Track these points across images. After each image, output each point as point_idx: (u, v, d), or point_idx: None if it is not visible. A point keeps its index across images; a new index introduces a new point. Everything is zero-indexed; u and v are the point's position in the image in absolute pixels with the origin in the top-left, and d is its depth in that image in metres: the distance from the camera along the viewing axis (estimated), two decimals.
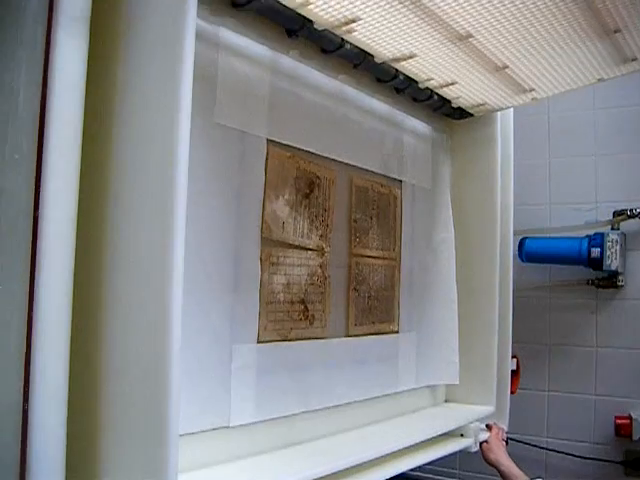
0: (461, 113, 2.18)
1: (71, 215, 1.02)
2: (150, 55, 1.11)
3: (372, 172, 1.91)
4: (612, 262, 2.57)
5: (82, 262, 1.06)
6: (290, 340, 1.59)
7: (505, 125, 2.31)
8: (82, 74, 1.04)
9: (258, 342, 1.50)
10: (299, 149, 1.63)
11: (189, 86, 1.05)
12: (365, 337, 1.87)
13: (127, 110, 1.12)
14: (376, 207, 1.93)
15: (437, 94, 2.00)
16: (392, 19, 1.49)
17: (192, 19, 1.06)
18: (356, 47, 1.64)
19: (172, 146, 1.04)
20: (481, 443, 2.06)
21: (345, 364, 1.78)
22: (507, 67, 1.78)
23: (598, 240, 2.60)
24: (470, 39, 1.60)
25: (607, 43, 1.67)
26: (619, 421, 2.58)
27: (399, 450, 1.70)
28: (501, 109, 2.16)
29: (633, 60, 1.78)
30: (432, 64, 1.75)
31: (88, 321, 1.11)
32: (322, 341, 1.70)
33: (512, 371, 2.35)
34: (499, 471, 1.97)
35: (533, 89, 1.96)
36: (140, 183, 1.10)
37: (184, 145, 1.04)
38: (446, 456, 1.94)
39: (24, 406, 0.96)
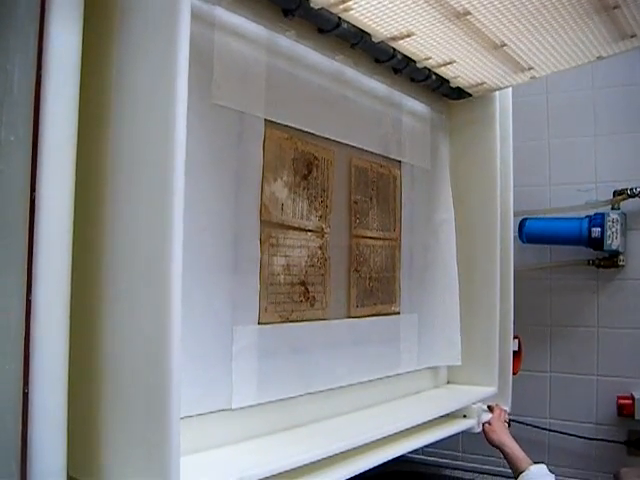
0: (460, 93, 2.17)
1: (68, 196, 1.02)
2: (146, 36, 1.10)
3: (371, 153, 1.90)
4: (613, 242, 2.56)
5: (80, 245, 1.05)
6: (291, 322, 1.59)
7: (504, 105, 2.30)
8: (77, 56, 1.04)
9: (259, 324, 1.50)
10: (297, 130, 1.62)
11: (185, 66, 1.04)
12: (366, 318, 1.87)
13: (123, 92, 1.12)
14: (376, 188, 1.92)
15: (435, 74, 1.99)
16: None
17: None
18: (353, 26, 1.62)
19: (169, 127, 1.03)
20: (484, 424, 2.06)
21: (347, 346, 1.78)
22: (505, 45, 1.77)
23: (598, 220, 2.60)
24: (468, 16, 1.59)
25: (606, 19, 1.65)
26: (621, 401, 2.58)
27: (402, 431, 1.70)
28: (500, 88, 2.15)
29: (632, 37, 1.76)
30: (430, 43, 1.73)
31: (88, 305, 1.10)
32: (323, 322, 1.69)
33: (514, 352, 2.35)
34: (503, 452, 1.97)
35: (532, 67, 1.95)
36: (138, 166, 1.09)
37: (181, 126, 1.03)
38: (449, 437, 1.94)
39: (24, 390, 0.96)
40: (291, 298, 1.59)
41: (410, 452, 1.76)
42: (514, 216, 2.36)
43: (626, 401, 2.56)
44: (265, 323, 1.51)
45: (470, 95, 2.19)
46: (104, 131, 1.12)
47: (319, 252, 1.68)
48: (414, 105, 2.11)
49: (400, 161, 2.04)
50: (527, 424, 2.71)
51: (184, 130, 1.03)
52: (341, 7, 1.52)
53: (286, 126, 1.59)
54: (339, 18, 1.58)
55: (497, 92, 2.22)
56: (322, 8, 1.52)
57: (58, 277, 1.00)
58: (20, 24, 1.04)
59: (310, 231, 1.65)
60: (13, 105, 1.03)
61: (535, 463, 1.88)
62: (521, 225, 2.72)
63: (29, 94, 1.00)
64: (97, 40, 1.12)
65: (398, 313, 2.02)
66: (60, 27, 1.01)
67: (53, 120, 1.00)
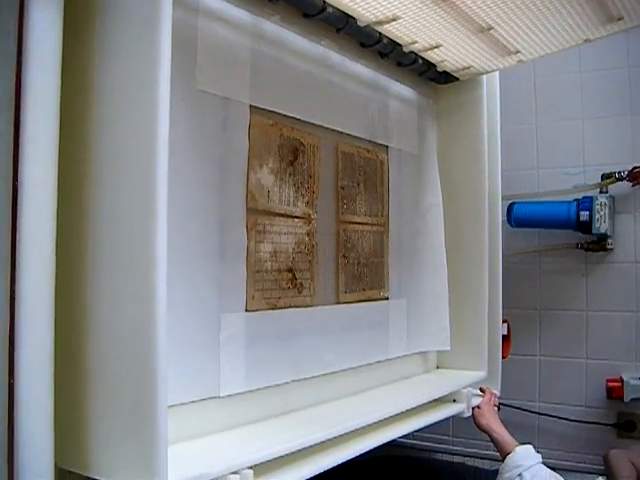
0: (446, 77, 2.16)
1: (51, 185, 1.01)
2: (127, 21, 1.09)
3: (358, 138, 1.90)
4: (601, 225, 2.56)
5: (63, 234, 1.05)
6: (279, 308, 1.58)
7: (491, 89, 2.29)
8: (57, 45, 1.03)
9: (246, 311, 1.49)
10: (282, 115, 1.61)
11: (168, 52, 1.03)
12: (355, 304, 1.87)
13: (105, 80, 1.11)
14: (363, 173, 1.91)
15: (422, 58, 1.98)
16: None
17: None
18: (338, 10, 1.61)
19: (152, 114, 1.03)
20: (473, 408, 2.06)
21: (336, 332, 1.77)
22: (492, 28, 1.76)
23: (587, 203, 2.59)
24: None
25: (593, 2, 1.65)
26: (611, 384, 2.58)
27: (392, 417, 1.70)
28: (487, 72, 2.14)
29: (619, 19, 1.76)
30: (416, 26, 1.72)
31: (72, 294, 1.10)
32: (311, 309, 1.69)
33: (503, 336, 2.36)
34: (491, 437, 1.98)
35: (519, 51, 1.94)
36: (121, 154, 1.08)
37: (164, 113, 1.02)
38: (439, 422, 1.94)
39: (9, 380, 0.95)
40: (279, 285, 1.59)
41: (400, 437, 1.76)
42: (502, 200, 2.37)
43: (615, 384, 2.56)
44: (252, 310, 1.51)
45: (457, 79, 2.18)
46: (87, 119, 1.11)
47: (306, 238, 1.67)
48: (401, 89, 2.10)
49: (387, 146, 2.04)
50: (517, 408, 2.71)
51: (167, 116, 1.03)
52: None
53: (271, 112, 1.57)
54: (324, 2, 1.56)
55: (484, 76, 2.21)
56: None
57: (43, 267, 1.00)
58: None
59: (297, 217, 1.65)
60: None
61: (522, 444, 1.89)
62: (509, 209, 2.71)
63: (10, 85, 0.99)
64: (78, 26, 1.10)
65: (387, 298, 2.02)
66: (40, 17, 1.00)
67: (35, 110, 0.99)
